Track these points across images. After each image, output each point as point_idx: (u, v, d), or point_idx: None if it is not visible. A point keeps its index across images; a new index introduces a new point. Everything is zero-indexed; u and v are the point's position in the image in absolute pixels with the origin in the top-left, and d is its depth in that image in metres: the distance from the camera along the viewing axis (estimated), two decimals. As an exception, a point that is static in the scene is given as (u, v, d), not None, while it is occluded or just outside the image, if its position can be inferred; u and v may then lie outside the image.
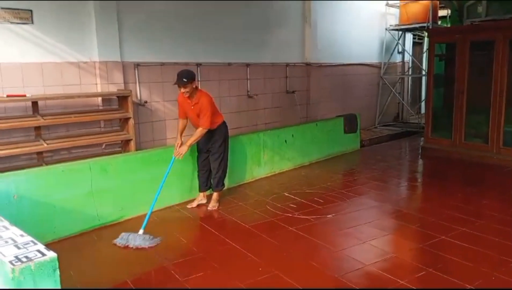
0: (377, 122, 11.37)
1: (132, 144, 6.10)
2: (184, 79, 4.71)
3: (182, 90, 4.80)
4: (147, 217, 4.46)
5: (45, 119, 5.41)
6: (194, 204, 5.30)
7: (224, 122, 5.28)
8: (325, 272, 3.57)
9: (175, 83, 4.84)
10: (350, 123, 8.31)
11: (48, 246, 3.97)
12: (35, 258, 2.12)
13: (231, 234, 4.41)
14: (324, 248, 4.02)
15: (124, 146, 6.27)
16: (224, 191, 5.61)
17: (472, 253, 3.79)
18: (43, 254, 2.17)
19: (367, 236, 4.24)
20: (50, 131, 5.78)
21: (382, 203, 5.27)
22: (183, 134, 5.20)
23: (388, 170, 6.95)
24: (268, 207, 5.17)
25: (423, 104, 11.03)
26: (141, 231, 4.30)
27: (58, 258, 2.21)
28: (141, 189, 4.95)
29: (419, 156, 8.00)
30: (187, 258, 3.86)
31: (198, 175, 5.36)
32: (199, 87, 6.76)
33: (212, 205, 5.24)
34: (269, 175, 6.62)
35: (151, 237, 4.24)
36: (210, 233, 4.50)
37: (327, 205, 5.19)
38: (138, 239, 4.19)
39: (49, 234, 4.22)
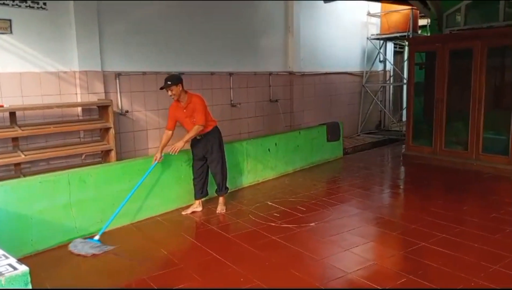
0: (360, 130, 11.47)
1: (113, 154, 6.04)
2: (168, 82, 4.84)
3: (169, 93, 4.90)
4: (106, 224, 4.51)
5: (23, 130, 5.32)
6: (189, 211, 5.31)
7: (216, 126, 5.32)
8: (307, 280, 3.55)
9: (161, 88, 4.98)
10: (333, 131, 8.36)
11: (25, 259, 3.91)
12: (6, 273, 2.05)
13: (213, 244, 4.36)
14: (307, 257, 4.01)
15: (104, 156, 6.19)
16: (206, 201, 5.60)
17: (452, 259, 3.82)
18: (15, 268, 2.10)
19: (349, 244, 4.24)
20: (28, 142, 5.68)
21: (364, 211, 5.29)
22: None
23: (371, 177, 6.99)
24: (251, 216, 5.14)
25: (404, 112, 11.17)
26: (97, 237, 4.36)
27: (31, 271, 2.14)
28: (121, 200, 4.86)
29: (401, 163, 8.08)
30: (168, 270, 3.81)
31: (194, 183, 5.35)
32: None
33: (221, 209, 5.33)
34: (253, 183, 6.60)
35: (101, 245, 4.26)
36: (191, 243, 4.46)
37: (310, 214, 5.18)
38: (85, 247, 4.20)
39: (26, 247, 4.13)
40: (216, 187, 5.44)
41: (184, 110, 5.04)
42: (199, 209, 5.36)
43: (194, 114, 5.00)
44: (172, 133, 5.16)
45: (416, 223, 4.75)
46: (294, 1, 9.17)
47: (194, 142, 5.21)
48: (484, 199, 5.73)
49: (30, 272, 2.11)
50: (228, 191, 5.55)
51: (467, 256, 3.88)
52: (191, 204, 5.41)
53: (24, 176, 5.21)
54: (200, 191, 5.36)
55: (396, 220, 5.03)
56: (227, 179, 5.48)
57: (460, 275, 3.52)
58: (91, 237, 4.43)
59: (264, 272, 3.70)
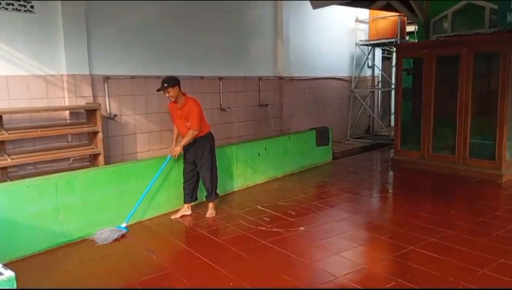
0: (349, 134, 11.54)
1: (101, 158, 5.98)
2: (164, 84, 4.95)
3: (166, 95, 5.01)
4: (132, 211, 4.85)
5: (10, 134, 5.25)
6: (178, 215, 5.31)
7: (210, 132, 5.36)
8: (297, 285, 3.55)
9: (158, 90, 5.08)
10: (323, 136, 8.39)
11: (11, 264, 3.86)
12: (-8, 278, 2.02)
13: (202, 249, 4.34)
14: (296, 261, 4.01)
15: (92, 160, 6.13)
16: (196, 205, 5.59)
17: (440, 263, 3.85)
18: (0, 274, 2.08)
19: (339, 248, 4.26)
20: (15, 146, 5.61)
21: (354, 215, 5.32)
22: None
23: (360, 182, 7.03)
24: (241, 221, 5.13)
25: (392, 117, 11.27)
26: (124, 224, 4.75)
27: (17, 276, 2.12)
28: (110, 205, 4.84)
29: (390, 168, 8.14)
30: (157, 275, 3.77)
31: (184, 187, 5.35)
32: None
33: (210, 213, 5.34)
34: (242, 188, 6.59)
35: (118, 229, 4.64)
36: (181, 248, 4.43)
37: (299, 218, 5.19)
38: (106, 233, 4.54)
39: (12, 252, 4.08)
40: (205, 193, 5.44)
41: (179, 111, 5.11)
42: (188, 213, 5.35)
43: (188, 118, 5.05)
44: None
45: (404, 227, 4.79)
46: (284, 6, 9.22)
47: (186, 145, 5.21)
48: (471, 203, 5.79)
49: (16, 278, 2.08)
50: (218, 197, 5.52)
51: (455, 259, 3.91)
52: (180, 208, 5.39)
53: (11, 180, 5.13)
54: (190, 195, 5.36)
55: (385, 224, 5.06)
56: (217, 186, 5.45)
57: (448, 278, 3.55)
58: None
59: (253, 276, 3.69)
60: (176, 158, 5.19)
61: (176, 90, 5.00)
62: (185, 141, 5.08)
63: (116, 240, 4.54)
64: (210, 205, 5.40)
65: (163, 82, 4.98)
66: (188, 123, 5.06)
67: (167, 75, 7.18)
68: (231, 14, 8.36)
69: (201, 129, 5.15)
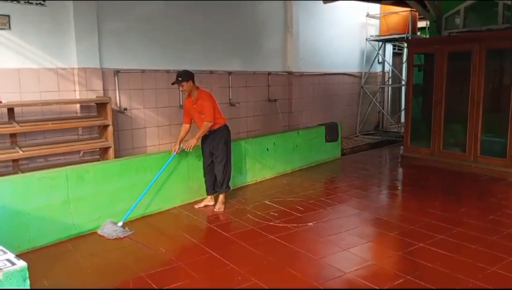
0: (358, 130, 11.48)
1: (111, 151, 6.02)
2: (179, 78, 5.03)
3: (180, 88, 5.16)
4: (129, 210, 4.77)
5: (21, 126, 5.30)
6: (202, 204, 5.48)
7: (225, 125, 5.40)
8: (305, 280, 3.55)
9: (172, 83, 5.15)
10: (332, 132, 8.36)
11: (22, 255, 3.90)
12: (4, 268, 2.05)
13: (211, 243, 4.36)
14: (304, 256, 4.01)
15: (102, 153, 6.18)
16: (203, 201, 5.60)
17: (450, 260, 3.83)
18: (13, 263, 2.10)
19: (347, 244, 4.25)
20: (26, 138, 5.66)
21: (362, 211, 5.30)
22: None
23: (369, 178, 7.00)
24: (249, 215, 5.14)
25: (402, 113, 11.19)
26: (120, 223, 4.63)
27: (29, 267, 2.14)
28: (119, 198, 4.87)
29: (399, 165, 8.09)
30: (166, 268, 3.80)
31: (205, 179, 5.47)
32: (181, 94, 6.80)
33: (218, 207, 5.38)
34: (251, 183, 6.59)
35: (123, 229, 4.58)
36: (189, 241, 4.44)
37: (308, 213, 5.18)
38: (109, 229, 4.52)
39: (23, 243, 4.11)
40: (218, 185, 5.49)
41: (194, 105, 5.19)
42: (211, 203, 5.49)
43: (202, 111, 5.12)
44: (190, 127, 5.33)
45: (414, 224, 4.76)
46: (294, 1, 9.18)
47: (203, 138, 5.31)
48: (482, 201, 5.75)
49: (28, 268, 2.11)
50: (229, 190, 5.54)
51: (465, 257, 3.88)
52: (204, 198, 5.55)
53: (22, 172, 5.19)
54: (212, 187, 5.47)
55: (394, 220, 5.04)
56: (229, 179, 5.48)
57: (458, 276, 3.53)
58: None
59: (261, 271, 3.70)
60: (190, 150, 5.16)
61: (190, 84, 5.07)
62: (200, 133, 5.13)
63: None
64: (220, 197, 5.44)
65: (177, 76, 5.07)
66: (203, 116, 5.13)
67: (177, 69, 7.26)
68: (241, 9, 8.34)
69: (216, 121, 5.21)
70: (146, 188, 5.00)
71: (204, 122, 5.11)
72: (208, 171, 5.43)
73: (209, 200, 5.50)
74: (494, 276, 3.52)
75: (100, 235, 4.51)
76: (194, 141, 5.12)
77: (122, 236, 4.49)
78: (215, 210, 5.34)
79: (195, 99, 5.15)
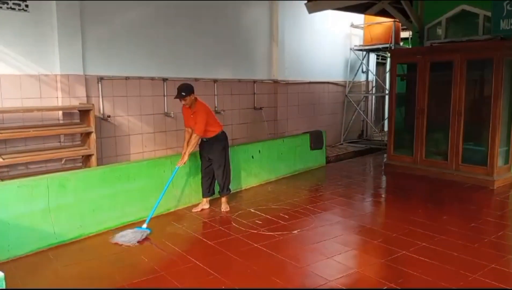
0: (343, 139, 11.57)
1: (94, 159, 5.94)
2: (182, 93, 5.13)
3: (183, 102, 5.22)
4: (151, 213, 4.94)
5: (1, 133, 5.21)
6: (199, 208, 5.59)
7: (223, 132, 5.55)
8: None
9: (175, 97, 5.22)
10: (316, 140, 8.40)
11: (1, 265, 3.80)
12: (-20, 278, 2.00)
13: (194, 252, 4.33)
14: (289, 265, 4.00)
15: (85, 161, 6.10)
16: (190, 207, 5.61)
17: (432, 268, 3.86)
18: (-11, 274, 2.05)
19: (331, 252, 4.25)
20: (7, 145, 5.56)
21: (347, 219, 5.32)
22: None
23: (353, 186, 7.04)
24: (234, 224, 5.12)
25: (386, 122, 11.32)
26: (144, 225, 4.79)
27: (7, 277, 2.09)
28: (102, 206, 4.80)
29: (383, 173, 8.16)
30: (148, 277, 3.75)
31: (202, 182, 5.62)
32: (166, 102, 6.80)
33: (225, 207, 5.60)
34: (235, 191, 6.56)
35: (142, 230, 4.70)
36: (173, 250, 4.39)
37: (292, 221, 5.18)
38: (129, 235, 4.57)
39: (3, 253, 4.03)
40: (218, 188, 5.73)
41: (191, 115, 5.32)
42: (207, 206, 5.65)
43: (195, 122, 5.25)
44: (191, 129, 5.40)
45: (397, 231, 4.80)
46: (279, 10, 9.24)
47: (201, 144, 5.48)
48: (464, 209, 5.82)
49: (5, 278, 2.06)
50: (230, 192, 5.76)
51: (447, 264, 3.92)
52: (199, 203, 5.67)
53: (2, 180, 5.08)
54: (207, 190, 5.65)
55: (377, 228, 5.07)
56: (230, 182, 5.70)
57: (440, 283, 3.56)
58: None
59: (245, 280, 3.68)
60: (184, 164, 5.31)
61: (192, 97, 5.21)
62: (190, 148, 5.24)
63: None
64: (223, 199, 5.66)
65: (180, 91, 5.14)
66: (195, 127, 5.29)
67: (162, 76, 7.25)
68: (227, 17, 8.36)
69: (213, 129, 5.40)
70: (161, 195, 5.12)
71: (211, 130, 5.34)
72: (206, 173, 5.59)
73: (204, 203, 5.64)
74: (476, 283, 3.56)
75: (119, 244, 4.44)
76: (185, 158, 5.23)
77: (144, 237, 4.61)
78: (222, 210, 5.56)
79: (193, 111, 5.29)
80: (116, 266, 4.01)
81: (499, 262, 3.96)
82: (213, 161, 5.50)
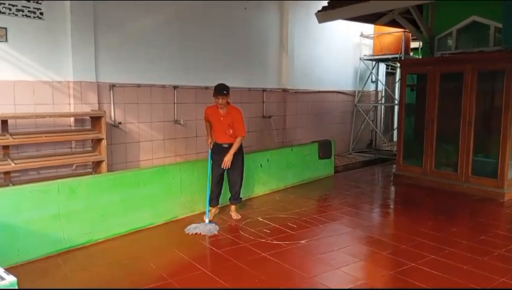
0: (351, 148, 11.54)
1: (104, 165, 6.00)
2: (225, 91, 5.23)
3: (220, 101, 5.24)
4: (207, 212, 5.35)
5: (14, 138, 5.28)
6: (211, 218, 5.48)
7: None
8: (296, 299, 3.53)
9: (215, 95, 5.25)
10: (325, 149, 8.40)
11: (11, 269, 3.85)
12: (-6, 283, 2.03)
13: (201, 260, 4.34)
14: (296, 274, 3.99)
15: (95, 167, 6.15)
16: (198, 215, 5.62)
17: (441, 281, 3.83)
18: (2, 278, 2.09)
19: (339, 263, 4.24)
20: (19, 151, 5.63)
21: (355, 229, 5.30)
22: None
23: (361, 196, 7.02)
24: (241, 232, 5.12)
25: (395, 132, 11.28)
26: (207, 220, 5.20)
27: (18, 282, 2.12)
28: (111, 212, 4.84)
29: (391, 183, 8.12)
30: (156, 284, 3.76)
31: (211, 190, 5.52)
32: (176, 109, 6.85)
33: (236, 215, 5.66)
34: (244, 199, 6.56)
35: (214, 225, 5.15)
36: (180, 258, 4.41)
37: (300, 231, 5.17)
38: (205, 228, 5.02)
39: (12, 257, 4.06)
40: (230, 196, 5.73)
41: (222, 118, 5.34)
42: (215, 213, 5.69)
43: (234, 125, 5.31)
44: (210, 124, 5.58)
45: (406, 243, 4.77)
46: (289, 19, 9.30)
47: (218, 150, 5.45)
48: (473, 221, 5.77)
49: (18, 282, 2.09)
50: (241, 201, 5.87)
51: (456, 277, 3.89)
52: (204, 212, 5.56)
53: (13, 185, 5.14)
54: (217, 199, 5.61)
55: (386, 239, 5.04)
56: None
57: (449, 296, 3.53)
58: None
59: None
60: (228, 167, 5.34)
61: (228, 97, 5.31)
62: (234, 149, 5.31)
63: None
64: (235, 207, 5.73)
65: (222, 89, 5.21)
66: (231, 130, 5.35)
67: (173, 84, 7.30)
68: (237, 26, 8.43)
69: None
70: (208, 187, 5.46)
71: (237, 136, 5.35)
72: (218, 181, 5.55)
73: (213, 212, 5.61)
74: (485, 297, 3.53)
75: (193, 234, 4.95)
76: (229, 157, 5.29)
77: (216, 232, 5.00)
78: (235, 218, 5.61)
79: (225, 112, 5.31)
80: (124, 273, 4.03)
81: (509, 276, 3.92)
82: (230, 168, 5.44)
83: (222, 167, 5.32)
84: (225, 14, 8.08)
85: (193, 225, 5.14)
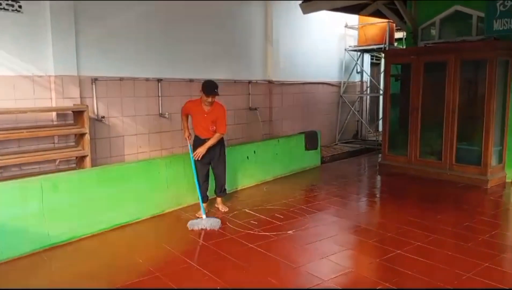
0: (337, 139, 11.59)
1: (88, 160, 5.92)
2: (216, 90, 5.17)
3: (211, 100, 5.17)
4: (201, 207, 5.23)
5: (-6, 134, 5.17)
6: (204, 215, 5.28)
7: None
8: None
9: (209, 93, 5.13)
10: (311, 140, 8.41)
11: (-6, 268, 3.77)
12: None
13: (189, 253, 4.32)
14: (284, 265, 4.00)
15: (79, 162, 6.07)
16: (185, 209, 5.59)
17: (427, 267, 3.87)
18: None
19: (327, 252, 4.26)
20: (0, 147, 5.52)
21: (342, 219, 5.33)
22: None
23: (348, 186, 7.06)
24: (229, 224, 5.11)
25: (380, 122, 11.35)
26: (204, 216, 5.11)
27: (0, 280, 2.07)
28: (96, 207, 4.78)
29: (377, 173, 8.18)
30: (143, 278, 3.73)
31: (200, 188, 5.41)
32: (161, 102, 6.77)
33: (223, 208, 5.65)
34: (231, 191, 6.55)
35: (216, 219, 5.08)
36: (167, 251, 4.38)
37: (287, 221, 5.18)
38: (208, 222, 4.98)
39: (-5, 255, 4.00)
40: (215, 189, 5.68)
41: (205, 115, 5.26)
42: (206, 211, 5.49)
43: (217, 122, 5.26)
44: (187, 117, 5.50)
45: (391, 231, 4.81)
46: (273, 11, 9.26)
47: (199, 145, 5.30)
48: (457, 208, 5.85)
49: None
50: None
51: (441, 264, 3.94)
52: (194, 203, 5.64)
53: (-5, 181, 5.04)
54: (206, 194, 5.56)
55: (372, 228, 5.08)
56: None
57: (435, 282, 3.57)
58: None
59: (241, 281, 3.67)
60: (199, 158, 5.25)
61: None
62: (210, 143, 5.24)
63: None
64: (221, 200, 5.72)
65: (215, 88, 5.15)
66: (214, 127, 5.28)
67: (156, 77, 7.22)
68: (222, 18, 8.36)
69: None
70: (196, 183, 5.33)
71: (216, 133, 5.28)
72: (205, 178, 5.51)
73: (205, 207, 5.47)
74: (470, 282, 3.58)
75: (197, 230, 4.87)
76: (203, 150, 5.20)
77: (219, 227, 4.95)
78: (222, 211, 5.57)
79: (210, 109, 5.24)
80: (110, 268, 4.00)
81: (493, 261, 3.99)
82: (216, 163, 5.47)
83: (194, 158, 5.24)
84: (209, 6, 8.00)
85: (195, 221, 5.04)
